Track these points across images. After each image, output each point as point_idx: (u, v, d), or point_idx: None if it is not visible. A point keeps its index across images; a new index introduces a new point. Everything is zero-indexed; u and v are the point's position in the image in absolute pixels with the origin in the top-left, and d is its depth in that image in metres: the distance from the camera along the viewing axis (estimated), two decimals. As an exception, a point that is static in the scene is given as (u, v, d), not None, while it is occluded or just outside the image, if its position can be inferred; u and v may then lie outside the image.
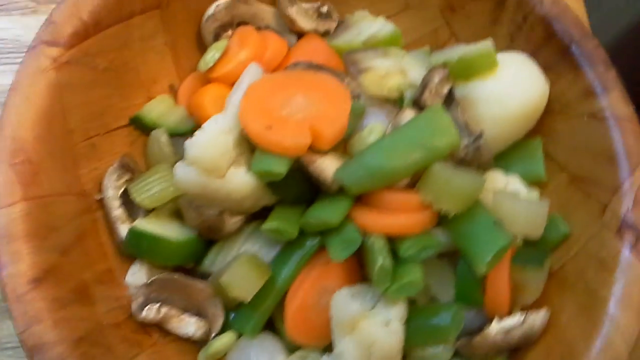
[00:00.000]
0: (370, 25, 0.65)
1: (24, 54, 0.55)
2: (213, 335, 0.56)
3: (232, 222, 0.56)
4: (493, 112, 0.57)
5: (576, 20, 0.59)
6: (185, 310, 0.57)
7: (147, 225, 0.57)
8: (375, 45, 0.63)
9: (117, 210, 0.58)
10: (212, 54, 0.62)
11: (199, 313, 0.57)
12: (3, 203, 0.50)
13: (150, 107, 0.64)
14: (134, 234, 0.56)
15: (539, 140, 0.60)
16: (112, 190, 0.58)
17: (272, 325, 0.57)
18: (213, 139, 0.52)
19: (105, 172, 0.59)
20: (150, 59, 0.64)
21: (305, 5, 0.67)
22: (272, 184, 0.54)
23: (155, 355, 0.56)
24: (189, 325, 0.57)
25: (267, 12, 0.67)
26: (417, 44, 0.68)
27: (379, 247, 0.51)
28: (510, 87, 0.57)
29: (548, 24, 0.60)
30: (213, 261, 0.58)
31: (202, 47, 0.66)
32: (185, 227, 0.58)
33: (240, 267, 0.53)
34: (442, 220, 0.53)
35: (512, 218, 0.52)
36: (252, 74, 0.58)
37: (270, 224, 0.53)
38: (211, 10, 0.65)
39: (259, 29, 0.66)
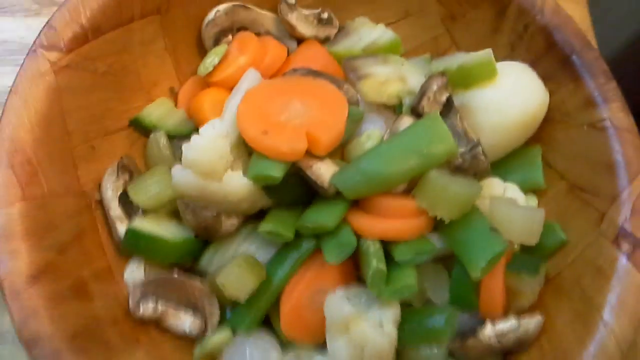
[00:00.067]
0: (370, 32, 0.67)
1: (26, 56, 0.57)
2: (209, 331, 0.58)
3: (229, 223, 0.57)
4: (492, 120, 0.58)
5: (577, 30, 0.60)
6: (182, 307, 0.59)
7: (145, 225, 0.58)
8: (375, 52, 0.64)
9: (115, 210, 0.59)
10: (211, 59, 0.63)
11: (195, 310, 0.58)
12: (2, 203, 0.52)
13: (150, 110, 0.65)
14: (132, 233, 0.57)
15: (538, 149, 0.61)
16: (111, 191, 0.59)
17: (267, 322, 0.59)
18: (210, 143, 0.53)
19: (104, 174, 0.60)
20: (150, 63, 0.66)
21: (306, 12, 0.69)
22: (269, 188, 0.55)
23: (152, 351, 0.57)
24: (185, 322, 0.58)
25: (267, 18, 0.69)
26: (417, 51, 0.70)
27: (373, 251, 0.52)
28: (510, 95, 0.58)
29: (549, 34, 0.61)
30: (210, 260, 0.59)
31: (202, 52, 0.68)
32: (182, 227, 0.59)
33: (235, 268, 0.54)
34: (438, 225, 0.54)
35: (508, 225, 0.53)
36: (250, 79, 0.59)
37: (266, 226, 0.55)
38: (211, 15, 0.66)
39: (258, 34, 0.68)
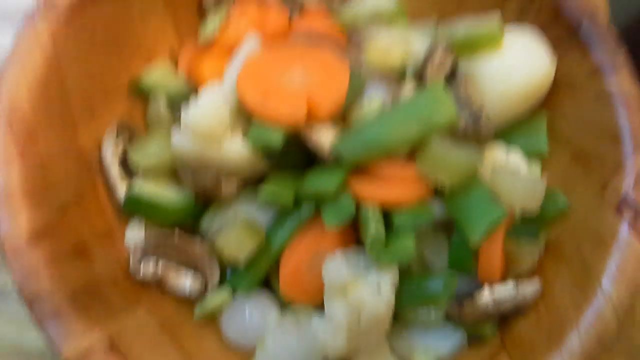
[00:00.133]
0: (374, -3, 0.65)
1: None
2: (209, 292, 0.59)
3: (229, 187, 0.57)
4: (497, 87, 0.57)
5: (587, -4, 0.59)
6: (183, 267, 0.60)
7: (145, 187, 0.59)
8: (379, 17, 0.63)
9: (115, 172, 0.60)
10: (212, 22, 0.63)
11: (195, 270, 0.60)
12: (1, 162, 0.52)
13: (149, 72, 0.65)
14: (132, 195, 0.58)
15: (543, 115, 0.61)
16: (111, 152, 0.60)
17: (267, 283, 0.60)
18: (209, 108, 0.53)
19: (104, 135, 0.61)
20: (150, 24, 0.65)
21: (310, -25, 0.67)
22: (269, 153, 0.55)
23: (153, 307, 0.58)
24: (185, 282, 0.59)
25: (270, -19, 0.68)
26: (423, 14, 0.68)
27: (373, 216, 0.53)
28: (515, 63, 0.57)
29: (559, 0, 0.60)
30: (210, 222, 0.60)
31: (203, 14, 0.67)
32: (182, 190, 0.60)
33: (235, 230, 0.55)
34: (439, 191, 0.54)
35: (508, 192, 0.53)
36: (251, 43, 0.59)
37: (266, 190, 0.55)
38: (213, -24, 0.65)
39: (260, -2, 0.67)
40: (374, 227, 0.52)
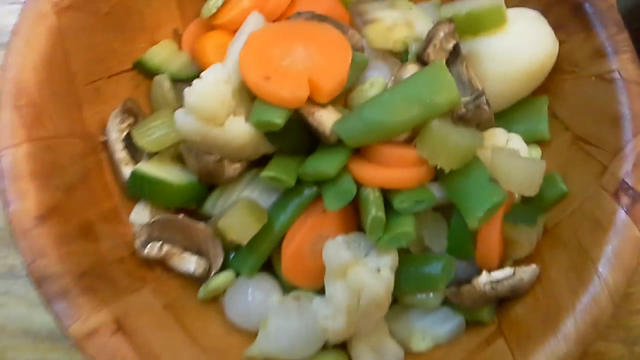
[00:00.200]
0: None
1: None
2: (213, 272, 0.61)
3: (232, 168, 0.59)
4: (499, 68, 0.58)
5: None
6: (187, 249, 0.62)
7: (149, 168, 0.60)
8: (382, -4, 0.64)
9: (120, 153, 0.61)
10: (215, 1, 0.63)
11: (199, 252, 0.61)
12: (8, 144, 0.54)
13: (153, 52, 0.66)
14: (136, 176, 0.60)
15: (544, 99, 0.62)
16: (115, 133, 0.61)
17: (269, 266, 0.62)
18: (212, 88, 0.54)
19: (109, 115, 0.62)
20: (154, 3, 0.66)
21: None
22: (271, 134, 0.56)
23: (158, 289, 0.60)
24: (190, 263, 0.61)
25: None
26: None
27: (373, 199, 0.54)
28: (518, 44, 0.58)
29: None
30: (214, 204, 0.62)
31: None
32: (186, 172, 0.62)
33: (238, 212, 0.57)
34: (438, 174, 0.55)
35: (507, 175, 0.54)
36: (253, 22, 0.60)
37: (268, 172, 0.56)
38: (216, -46, 0.66)
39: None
40: (374, 209, 0.53)
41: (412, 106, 0.53)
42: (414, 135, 0.55)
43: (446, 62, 0.56)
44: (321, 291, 0.57)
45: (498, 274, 0.54)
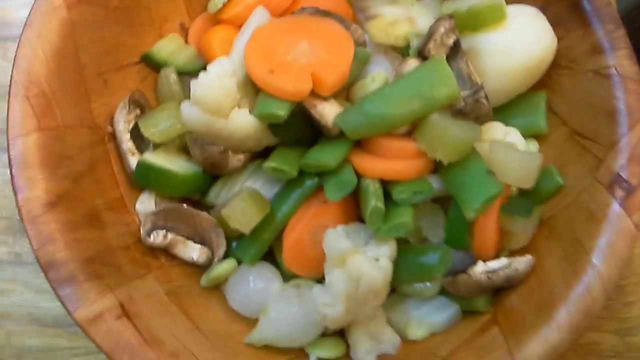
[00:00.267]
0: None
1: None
2: (215, 261, 0.64)
3: (236, 159, 0.62)
4: (498, 64, 0.61)
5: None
6: (190, 237, 0.65)
7: (155, 158, 0.63)
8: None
9: (127, 143, 0.64)
10: (221, -5, 0.66)
11: (202, 241, 0.65)
12: (19, 132, 0.57)
13: (160, 46, 0.69)
14: (142, 166, 0.63)
15: (543, 94, 0.64)
16: (122, 124, 0.64)
17: (271, 256, 0.65)
18: (217, 81, 0.57)
19: (117, 107, 0.65)
20: (162, -1, 0.69)
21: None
22: (274, 126, 0.59)
23: (162, 276, 0.63)
24: (193, 251, 0.64)
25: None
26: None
27: (373, 190, 0.57)
28: (516, 40, 0.60)
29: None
30: (217, 194, 0.65)
31: (214, -12, 0.71)
32: (191, 162, 0.65)
33: (240, 202, 0.60)
34: (437, 166, 0.58)
35: (504, 168, 0.57)
36: (259, 17, 0.63)
37: (270, 163, 0.59)
38: (222, -50, 0.69)
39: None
40: (374, 200, 0.56)
41: (413, 100, 0.55)
42: (413, 128, 0.58)
43: (446, 57, 0.58)
44: (321, 280, 0.59)
45: (494, 264, 0.57)
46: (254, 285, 0.63)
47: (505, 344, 0.55)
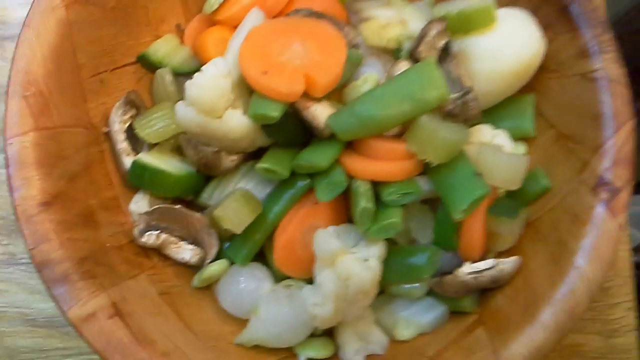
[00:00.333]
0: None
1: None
2: (207, 261, 0.67)
3: (229, 160, 0.65)
4: (487, 67, 0.64)
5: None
6: (183, 238, 0.68)
7: (150, 158, 0.67)
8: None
9: (122, 144, 0.68)
10: (217, -3, 0.70)
11: (195, 241, 0.68)
12: (16, 132, 0.60)
13: (156, 47, 0.73)
14: (137, 166, 0.66)
15: (531, 97, 0.67)
16: (118, 124, 0.68)
17: (262, 257, 0.68)
18: (212, 81, 0.60)
19: (112, 107, 0.69)
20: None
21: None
22: (267, 127, 0.62)
23: (154, 276, 0.67)
24: (185, 252, 0.68)
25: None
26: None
27: (363, 191, 0.60)
28: (505, 43, 0.63)
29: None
30: (210, 195, 0.68)
31: (210, -10, 0.74)
32: (185, 163, 0.68)
33: (233, 202, 0.63)
34: (426, 168, 0.61)
35: (491, 170, 0.60)
36: (254, 18, 0.66)
37: (263, 163, 0.63)
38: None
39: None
40: (363, 201, 0.59)
41: (403, 102, 0.59)
42: (404, 130, 0.61)
43: (437, 60, 0.62)
44: (311, 281, 0.63)
45: (480, 265, 0.60)
46: (245, 286, 0.66)
47: (490, 344, 0.58)
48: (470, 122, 0.63)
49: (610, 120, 0.59)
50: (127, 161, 0.67)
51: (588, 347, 0.74)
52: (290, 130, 0.63)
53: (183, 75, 0.72)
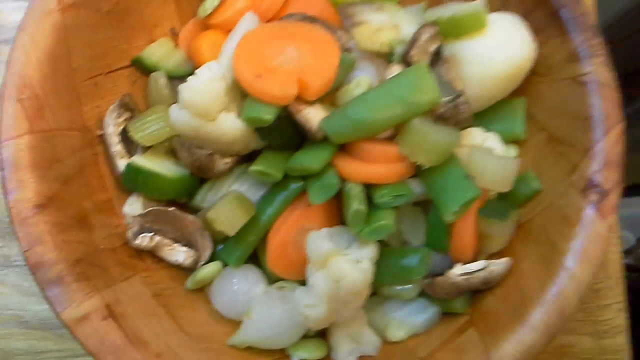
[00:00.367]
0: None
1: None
2: (201, 263, 0.69)
3: (222, 163, 0.67)
4: (478, 71, 0.66)
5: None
6: (177, 240, 0.70)
7: (144, 161, 0.68)
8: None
9: (116, 146, 0.69)
10: (211, 1, 0.71)
11: (189, 243, 0.69)
12: (10, 135, 0.61)
13: (151, 50, 0.74)
14: (131, 168, 0.67)
15: (522, 100, 0.69)
16: (112, 127, 0.69)
17: (255, 259, 0.69)
18: (206, 85, 0.62)
19: (107, 110, 0.70)
20: (153, 3, 0.75)
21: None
22: (260, 130, 0.64)
23: (148, 278, 0.68)
24: (179, 254, 0.69)
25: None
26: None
27: (355, 193, 0.62)
28: (496, 47, 0.65)
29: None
30: (204, 197, 0.70)
31: (204, -6, 0.76)
32: (179, 165, 0.70)
33: (226, 204, 0.64)
34: (418, 170, 0.63)
35: (482, 172, 0.62)
36: (248, 22, 0.68)
37: (257, 166, 0.64)
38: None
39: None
40: (356, 203, 0.61)
41: (395, 105, 0.60)
42: (396, 133, 0.63)
43: (429, 64, 0.64)
44: (304, 283, 0.64)
45: (470, 267, 0.62)
46: (239, 288, 0.67)
47: (481, 345, 0.59)
48: (462, 125, 0.64)
49: (600, 123, 0.60)
50: (121, 164, 0.69)
51: (579, 348, 0.76)
52: (283, 133, 0.65)
53: (177, 78, 0.74)
